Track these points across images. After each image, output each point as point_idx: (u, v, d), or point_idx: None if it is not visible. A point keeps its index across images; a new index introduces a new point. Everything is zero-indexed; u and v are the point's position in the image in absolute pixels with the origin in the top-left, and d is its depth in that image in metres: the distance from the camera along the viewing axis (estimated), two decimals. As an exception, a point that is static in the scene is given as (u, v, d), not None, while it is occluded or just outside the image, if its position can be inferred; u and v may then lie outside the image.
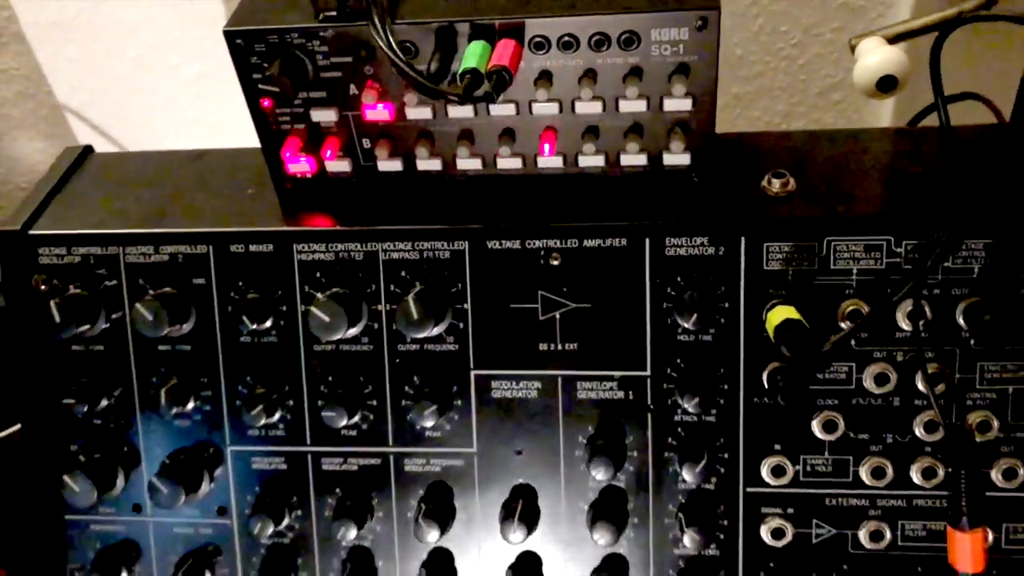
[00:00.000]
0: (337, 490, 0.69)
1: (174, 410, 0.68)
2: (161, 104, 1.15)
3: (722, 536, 0.66)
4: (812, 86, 1.06)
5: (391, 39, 0.57)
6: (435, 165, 0.66)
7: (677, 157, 0.63)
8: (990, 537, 0.63)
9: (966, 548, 0.59)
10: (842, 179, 0.65)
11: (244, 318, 0.66)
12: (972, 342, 0.61)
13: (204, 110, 1.15)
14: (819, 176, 0.65)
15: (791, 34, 1.02)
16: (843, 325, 0.61)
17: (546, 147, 0.63)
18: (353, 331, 0.66)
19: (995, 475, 0.63)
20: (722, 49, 1.05)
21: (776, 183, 0.64)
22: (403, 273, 0.65)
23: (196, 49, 1.09)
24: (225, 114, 1.13)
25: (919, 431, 0.62)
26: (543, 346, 0.65)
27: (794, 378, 0.61)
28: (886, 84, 0.68)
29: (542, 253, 0.64)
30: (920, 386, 0.62)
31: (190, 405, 0.69)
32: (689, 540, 0.64)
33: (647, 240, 0.63)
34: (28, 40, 1.11)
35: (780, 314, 0.59)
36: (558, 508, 0.67)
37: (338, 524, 0.67)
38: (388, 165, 0.66)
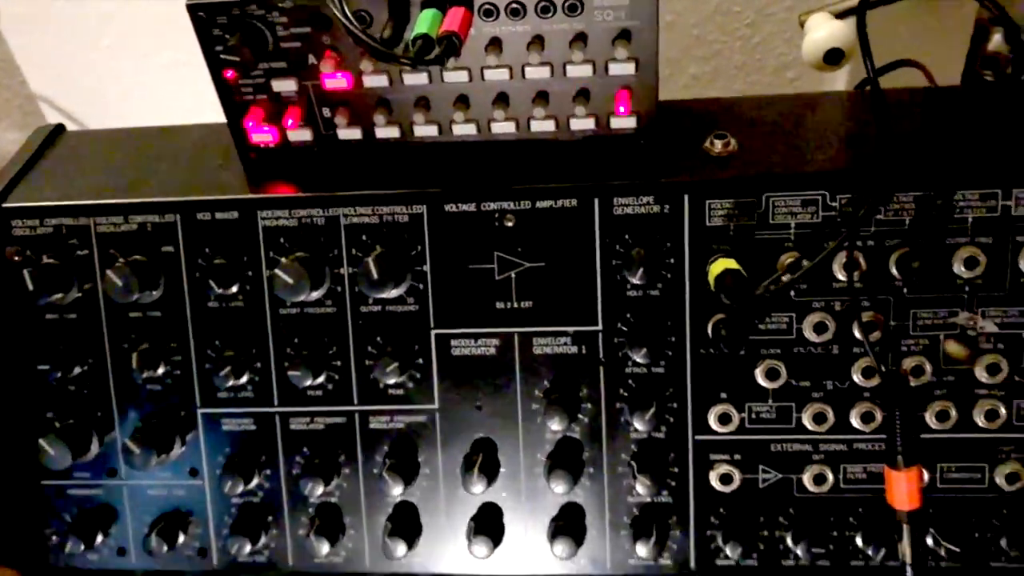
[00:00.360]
0: (305, 449, 0.72)
1: (145, 374, 0.71)
2: (135, 92, 1.17)
3: (673, 483, 0.69)
4: (767, 64, 1.09)
5: (346, 8, 0.60)
6: (393, 132, 0.69)
7: (623, 120, 0.66)
8: (925, 477, 0.66)
9: (902, 486, 0.62)
10: (781, 139, 0.68)
11: (211, 283, 0.69)
12: (905, 291, 0.65)
13: (178, 97, 1.17)
14: (759, 137, 0.68)
15: (745, 14, 1.06)
16: (784, 277, 0.64)
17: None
18: (316, 294, 0.68)
19: (929, 418, 0.66)
20: (678, 30, 1.09)
21: (718, 144, 0.67)
22: (364, 237, 0.68)
23: (169, 36, 1.11)
24: (199, 101, 1.15)
25: (857, 377, 0.66)
26: (500, 305, 0.68)
27: (734, 325, 0.64)
28: (833, 57, 0.71)
29: (497, 215, 0.67)
30: (856, 334, 0.65)
31: (161, 370, 0.71)
32: (641, 487, 0.67)
33: (596, 200, 0.66)
34: (0, 30, 1.13)
35: (720, 266, 0.62)
36: (517, 460, 0.70)
37: (306, 481, 0.70)
38: (348, 133, 0.69)
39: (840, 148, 0.67)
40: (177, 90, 1.16)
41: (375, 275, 0.65)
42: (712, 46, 1.08)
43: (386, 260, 0.66)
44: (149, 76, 1.15)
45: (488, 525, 0.70)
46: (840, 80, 1.08)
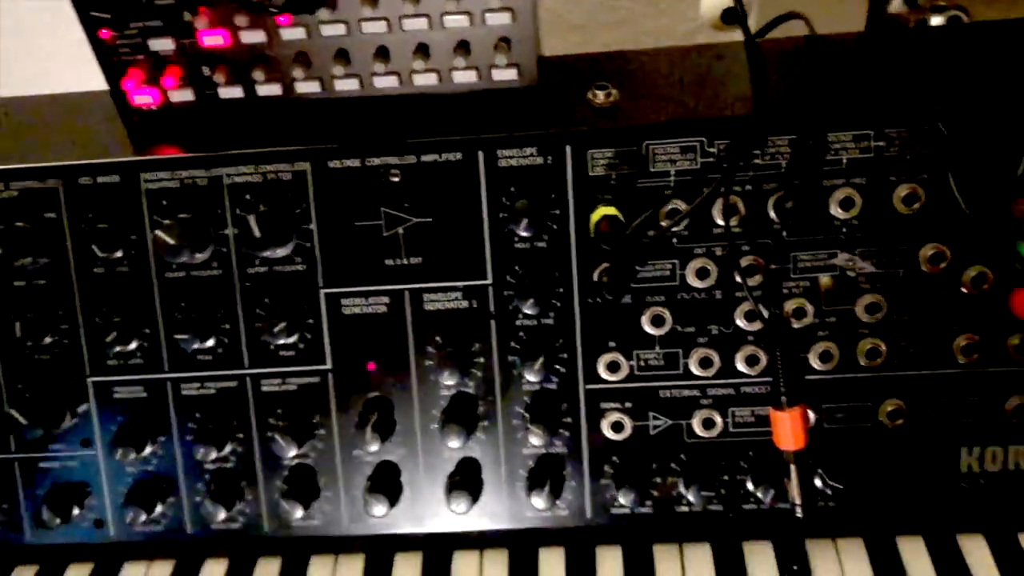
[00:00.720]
0: (197, 414, 0.71)
1: (31, 344, 0.69)
2: (40, 71, 1.15)
3: (567, 433, 0.69)
4: (676, 29, 1.10)
5: (214, -39, 0.59)
6: (275, 90, 0.68)
7: (504, 72, 0.67)
8: (812, 417, 0.67)
9: (787, 427, 0.63)
10: (663, 89, 0.69)
11: (95, 249, 0.68)
12: (784, 234, 0.65)
13: (84, 75, 1.15)
14: (641, 87, 0.69)
15: (651, -21, 1.07)
16: (663, 223, 0.65)
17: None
18: (201, 256, 0.68)
19: (813, 359, 0.67)
20: (587, -5, 1.09)
21: (600, 94, 0.67)
22: (247, 196, 0.67)
23: (73, 14, 1.09)
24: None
25: (741, 321, 0.66)
26: (389, 261, 0.68)
27: (615, 271, 0.64)
28: (730, 16, 0.72)
29: (382, 170, 0.67)
30: (737, 278, 0.65)
31: (48, 339, 0.70)
32: (535, 438, 0.67)
33: (480, 153, 0.66)
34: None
35: (599, 213, 0.63)
36: (412, 417, 0.70)
37: (199, 447, 0.69)
38: (229, 92, 0.68)
39: (719, 96, 0.68)
40: (85, 68, 1.14)
41: (258, 234, 0.65)
42: (619, 12, 1.09)
43: (269, 219, 0.65)
44: (56, 54, 1.13)
45: (384, 484, 0.69)
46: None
